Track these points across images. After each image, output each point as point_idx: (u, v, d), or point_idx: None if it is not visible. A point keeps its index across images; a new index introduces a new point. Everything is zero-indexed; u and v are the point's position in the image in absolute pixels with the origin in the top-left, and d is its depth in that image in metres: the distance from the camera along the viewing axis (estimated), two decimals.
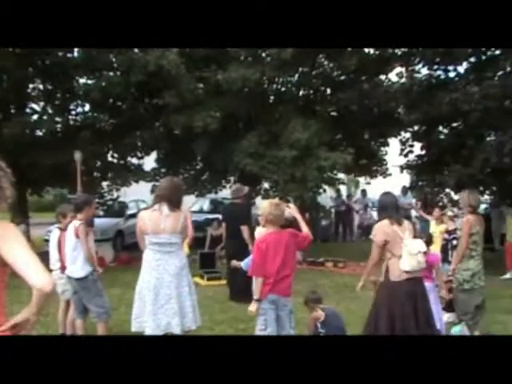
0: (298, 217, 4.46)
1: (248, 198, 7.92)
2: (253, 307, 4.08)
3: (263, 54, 11.54)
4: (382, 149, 14.37)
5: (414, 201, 14.79)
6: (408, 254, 4.30)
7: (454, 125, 10.40)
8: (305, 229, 4.34)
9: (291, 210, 4.56)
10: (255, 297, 4.08)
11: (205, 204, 15.92)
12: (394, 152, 12.94)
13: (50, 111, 11.24)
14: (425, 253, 4.41)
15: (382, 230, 4.44)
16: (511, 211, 9.83)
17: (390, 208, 4.54)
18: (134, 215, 11.21)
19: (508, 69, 9.02)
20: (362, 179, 17.61)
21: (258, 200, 12.85)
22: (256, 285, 4.14)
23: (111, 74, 11.12)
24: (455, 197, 10.21)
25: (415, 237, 4.53)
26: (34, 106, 11.65)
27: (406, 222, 4.54)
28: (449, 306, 5.82)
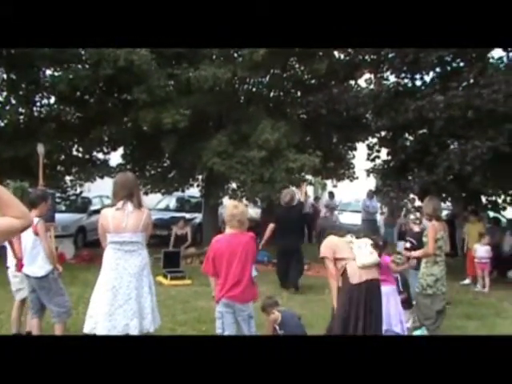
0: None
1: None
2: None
3: (235, 54, 11.50)
4: (350, 153, 14.54)
5: (379, 205, 15.07)
6: (359, 249, 4.45)
7: (420, 132, 10.60)
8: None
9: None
10: (212, 294, 4.25)
11: (171, 202, 15.77)
12: (361, 156, 13.12)
13: (13, 102, 10.88)
14: (373, 246, 4.56)
15: (328, 244, 4.58)
16: (472, 219, 10.09)
17: (331, 228, 4.75)
18: (97, 211, 10.99)
19: (471, 80, 9.25)
20: (329, 182, 17.80)
21: (225, 200, 12.81)
22: (211, 283, 4.24)
23: (79, 66, 10.87)
24: (418, 202, 10.41)
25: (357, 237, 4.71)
26: None
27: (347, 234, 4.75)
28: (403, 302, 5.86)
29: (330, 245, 4.57)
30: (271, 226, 8.60)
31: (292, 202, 8.58)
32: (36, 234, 4.58)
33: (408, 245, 6.26)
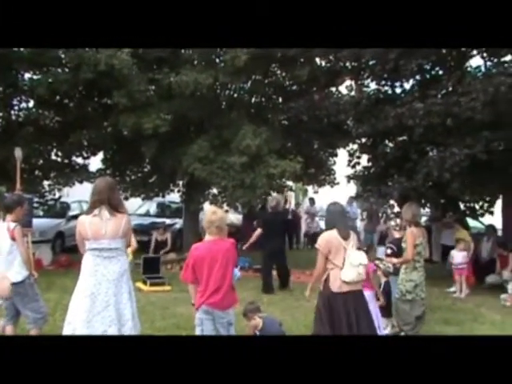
0: None
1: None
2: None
3: (217, 60, 11.50)
4: (331, 159, 14.62)
5: (359, 211, 15.18)
6: (349, 265, 4.38)
7: (400, 139, 10.71)
8: None
9: None
10: (192, 301, 4.19)
11: (151, 207, 15.65)
12: (342, 162, 13.19)
13: None
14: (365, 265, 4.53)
15: (326, 239, 4.50)
16: (457, 226, 10.20)
17: (337, 219, 4.61)
18: (76, 216, 10.84)
19: (450, 88, 9.38)
20: (310, 188, 17.85)
21: (206, 205, 12.76)
22: (190, 290, 4.20)
23: (59, 70, 10.73)
24: (397, 209, 10.50)
25: (359, 248, 4.64)
26: None
27: (351, 234, 4.62)
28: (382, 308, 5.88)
29: (329, 240, 4.46)
30: (259, 230, 8.92)
31: (278, 208, 9.15)
32: (13, 239, 4.50)
33: (389, 251, 6.30)
